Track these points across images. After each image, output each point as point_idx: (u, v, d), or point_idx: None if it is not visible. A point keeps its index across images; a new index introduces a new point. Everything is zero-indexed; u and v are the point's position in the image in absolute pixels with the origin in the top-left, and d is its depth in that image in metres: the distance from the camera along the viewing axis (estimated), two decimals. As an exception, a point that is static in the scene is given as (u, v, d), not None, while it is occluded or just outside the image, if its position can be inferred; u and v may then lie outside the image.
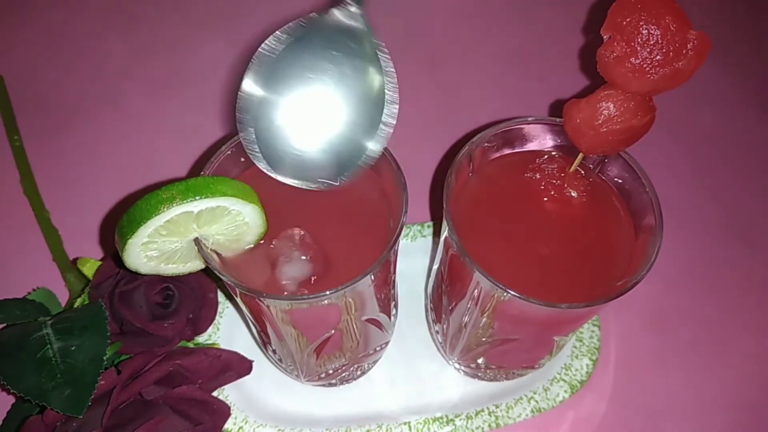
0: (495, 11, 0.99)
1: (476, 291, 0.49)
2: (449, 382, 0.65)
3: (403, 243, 0.72)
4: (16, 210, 0.76)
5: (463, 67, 0.92)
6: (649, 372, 0.68)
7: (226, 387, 0.62)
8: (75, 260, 0.69)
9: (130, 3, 0.97)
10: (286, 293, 0.48)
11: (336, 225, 0.51)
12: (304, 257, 0.49)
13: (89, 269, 0.63)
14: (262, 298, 0.46)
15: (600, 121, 0.45)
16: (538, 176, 0.53)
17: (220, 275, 0.46)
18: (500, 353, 0.57)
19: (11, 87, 0.86)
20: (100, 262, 0.63)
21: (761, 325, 0.72)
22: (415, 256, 0.71)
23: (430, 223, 0.73)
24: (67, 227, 0.74)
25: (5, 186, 0.78)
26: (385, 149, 0.50)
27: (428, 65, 0.92)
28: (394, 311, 0.61)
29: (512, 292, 0.44)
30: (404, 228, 0.71)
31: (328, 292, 0.44)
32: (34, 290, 0.66)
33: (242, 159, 0.52)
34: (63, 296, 0.68)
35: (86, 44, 0.92)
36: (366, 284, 0.47)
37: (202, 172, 0.48)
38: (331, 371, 0.60)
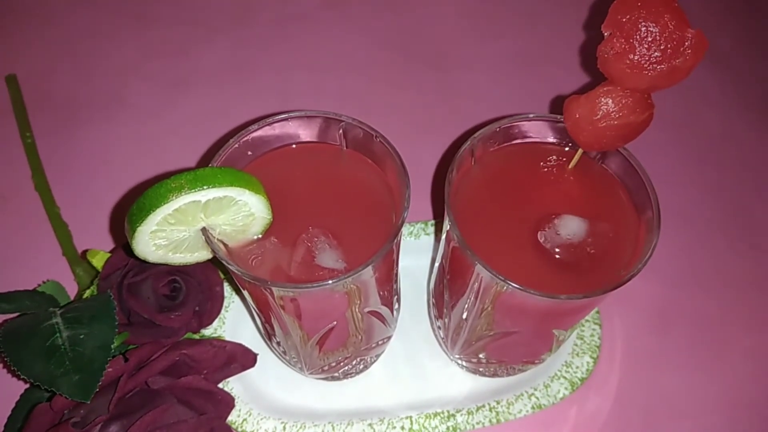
0: (497, 9, 1.00)
1: (477, 283, 0.50)
2: (451, 378, 0.66)
3: (407, 241, 0.73)
4: (28, 205, 0.77)
5: (465, 65, 0.93)
6: (652, 370, 0.69)
7: (230, 380, 0.63)
8: (84, 254, 0.70)
9: (140, 4, 0.99)
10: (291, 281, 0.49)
11: (342, 218, 0.52)
12: (331, 247, 0.50)
13: (98, 261, 0.64)
14: (267, 287, 0.46)
15: (598, 117, 0.46)
16: (538, 173, 0.54)
17: (227, 264, 0.47)
18: (501, 347, 0.58)
19: (24, 85, 0.88)
20: (109, 254, 0.64)
21: (765, 324, 0.72)
22: (418, 254, 0.72)
23: (434, 222, 0.74)
24: (76, 222, 0.75)
25: (17, 182, 0.79)
26: (390, 145, 0.51)
27: (431, 63, 0.93)
28: (396, 305, 0.62)
29: (512, 284, 0.45)
30: (408, 226, 0.73)
31: (331, 282, 0.45)
32: (44, 282, 0.67)
33: (249, 153, 0.54)
34: (72, 289, 0.69)
35: (97, 44, 0.94)
36: (369, 275, 0.48)
37: (210, 164, 0.50)
38: (334, 364, 0.60)
